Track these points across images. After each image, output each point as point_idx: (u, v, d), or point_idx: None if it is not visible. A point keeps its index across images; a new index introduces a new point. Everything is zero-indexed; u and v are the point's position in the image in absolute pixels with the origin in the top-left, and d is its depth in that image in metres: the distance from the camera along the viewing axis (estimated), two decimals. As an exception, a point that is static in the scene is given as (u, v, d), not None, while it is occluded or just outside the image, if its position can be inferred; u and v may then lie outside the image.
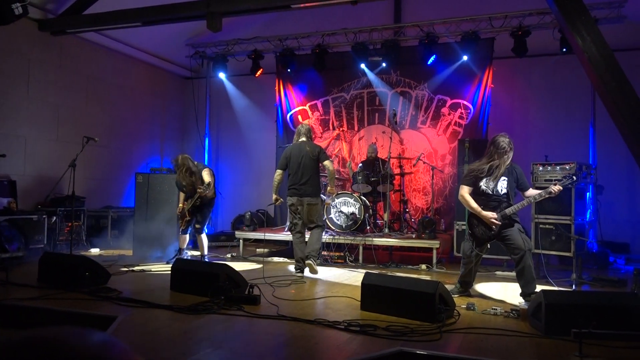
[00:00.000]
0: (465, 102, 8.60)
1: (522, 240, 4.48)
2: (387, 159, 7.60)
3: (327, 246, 7.11)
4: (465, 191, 4.68)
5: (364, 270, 5.09)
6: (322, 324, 3.71)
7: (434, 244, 6.77)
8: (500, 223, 4.51)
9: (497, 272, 6.36)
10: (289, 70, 9.30)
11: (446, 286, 4.25)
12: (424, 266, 6.73)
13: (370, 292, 4.23)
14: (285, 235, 7.37)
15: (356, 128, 9.40)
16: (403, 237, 7.27)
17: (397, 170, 8.23)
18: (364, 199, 7.55)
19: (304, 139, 6.21)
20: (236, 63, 9.48)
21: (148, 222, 7.07)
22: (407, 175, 8.54)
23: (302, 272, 5.99)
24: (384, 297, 4.11)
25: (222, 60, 9.47)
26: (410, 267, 6.77)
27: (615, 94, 4.44)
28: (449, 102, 8.74)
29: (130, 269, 6.09)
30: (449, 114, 8.72)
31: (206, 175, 6.38)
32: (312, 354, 3.16)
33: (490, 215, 4.52)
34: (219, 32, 7.03)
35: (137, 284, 5.27)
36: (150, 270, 6.10)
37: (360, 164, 8.08)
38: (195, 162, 6.58)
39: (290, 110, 9.77)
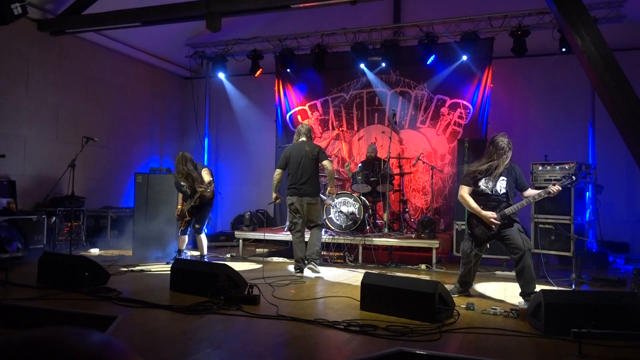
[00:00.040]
0: (464, 102, 8.60)
1: (521, 240, 4.48)
2: (386, 159, 7.61)
3: (327, 246, 7.11)
4: (464, 191, 4.68)
5: (364, 270, 5.09)
6: (321, 324, 3.71)
7: (434, 243, 6.77)
8: (499, 223, 4.51)
9: (497, 272, 6.36)
10: (288, 70, 9.31)
11: (446, 286, 4.25)
12: (423, 266, 6.73)
13: (370, 292, 4.23)
14: (285, 235, 7.37)
15: (356, 128, 9.40)
16: (402, 237, 7.27)
17: (396, 170, 8.24)
18: (364, 199, 7.56)
19: (304, 138, 6.22)
20: (236, 63, 9.48)
21: (147, 222, 7.07)
22: (406, 175, 8.54)
23: (302, 272, 5.99)
24: (383, 297, 4.11)
25: (222, 60, 9.47)
26: (409, 267, 6.77)
27: (614, 93, 4.44)
28: (449, 102, 8.74)
29: (130, 269, 6.09)
30: (449, 114, 8.72)
31: (206, 175, 6.39)
32: (312, 354, 3.16)
33: (490, 214, 4.52)
34: (218, 32, 7.03)
35: (136, 284, 5.27)
36: (150, 271, 6.09)
37: (360, 164, 8.08)
38: (195, 162, 6.58)
39: (290, 110, 9.77)
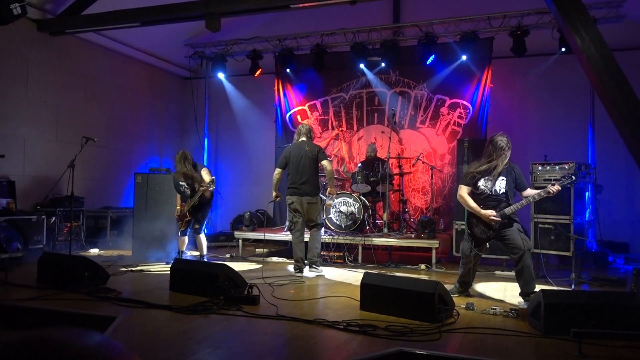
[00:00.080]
0: (464, 102, 8.60)
1: (521, 239, 4.48)
2: (386, 159, 7.61)
3: (327, 246, 7.10)
4: (464, 191, 4.68)
5: (363, 270, 5.09)
6: (321, 324, 3.71)
7: (433, 243, 6.77)
8: (499, 220, 4.51)
9: (497, 272, 6.36)
10: (288, 70, 9.31)
11: (445, 286, 4.25)
12: (423, 266, 6.73)
13: (370, 292, 4.23)
14: (285, 235, 7.37)
15: (355, 128, 9.40)
16: (402, 237, 7.27)
17: (396, 170, 8.24)
18: (363, 199, 7.55)
19: (304, 138, 6.23)
20: (235, 63, 9.48)
21: (147, 222, 7.06)
22: (406, 175, 8.54)
23: (302, 272, 5.99)
24: (383, 297, 4.11)
25: (221, 61, 9.47)
26: (409, 267, 6.77)
27: (614, 93, 4.44)
28: (448, 101, 8.74)
29: (130, 269, 6.09)
30: (448, 114, 8.73)
31: (206, 175, 6.39)
32: (312, 354, 3.16)
33: (489, 212, 4.52)
34: (218, 32, 7.03)
35: (136, 284, 5.27)
36: (150, 271, 6.09)
37: (360, 164, 8.07)
38: (194, 162, 6.58)
39: (290, 110, 9.77)
